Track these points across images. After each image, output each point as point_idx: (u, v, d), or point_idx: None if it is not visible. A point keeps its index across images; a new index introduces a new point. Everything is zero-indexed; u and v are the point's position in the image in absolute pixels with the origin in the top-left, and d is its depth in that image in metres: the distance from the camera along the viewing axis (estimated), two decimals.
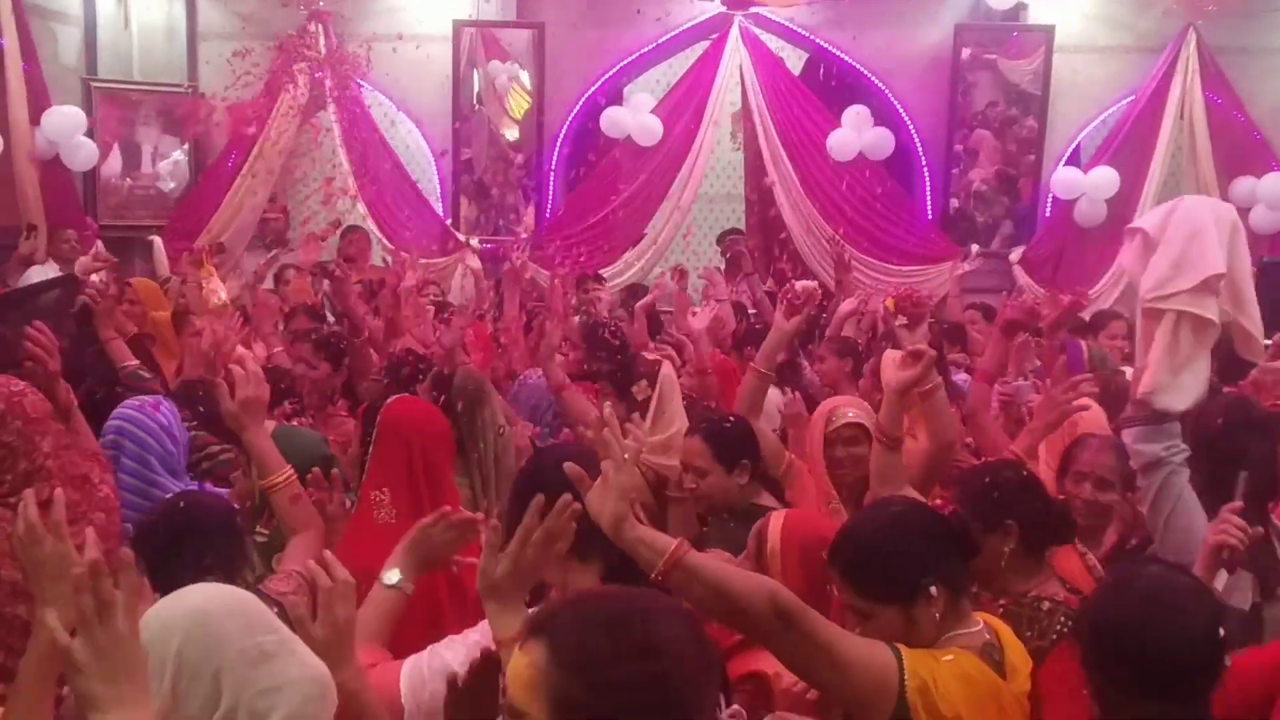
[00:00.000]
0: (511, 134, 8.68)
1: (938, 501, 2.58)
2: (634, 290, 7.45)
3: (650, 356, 4.06)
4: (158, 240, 8.12)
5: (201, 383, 3.58)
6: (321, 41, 8.34)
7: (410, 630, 2.20)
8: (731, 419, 3.38)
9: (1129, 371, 4.33)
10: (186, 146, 8.54)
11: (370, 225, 8.40)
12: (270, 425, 3.10)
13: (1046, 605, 2.45)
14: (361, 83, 8.56)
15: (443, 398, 3.28)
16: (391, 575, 2.17)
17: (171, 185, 8.56)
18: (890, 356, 4.00)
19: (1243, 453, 2.61)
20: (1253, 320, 3.05)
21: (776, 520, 2.55)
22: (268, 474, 2.64)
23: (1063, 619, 2.41)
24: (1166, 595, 1.87)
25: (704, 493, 3.21)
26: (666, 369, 3.95)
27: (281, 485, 2.64)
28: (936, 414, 3.18)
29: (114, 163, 8.26)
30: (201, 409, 3.56)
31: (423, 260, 8.25)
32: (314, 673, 1.57)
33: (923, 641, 2.01)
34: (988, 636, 2.07)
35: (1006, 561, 2.49)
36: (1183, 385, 2.66)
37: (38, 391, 2.70)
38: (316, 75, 8.37)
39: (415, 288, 5.50)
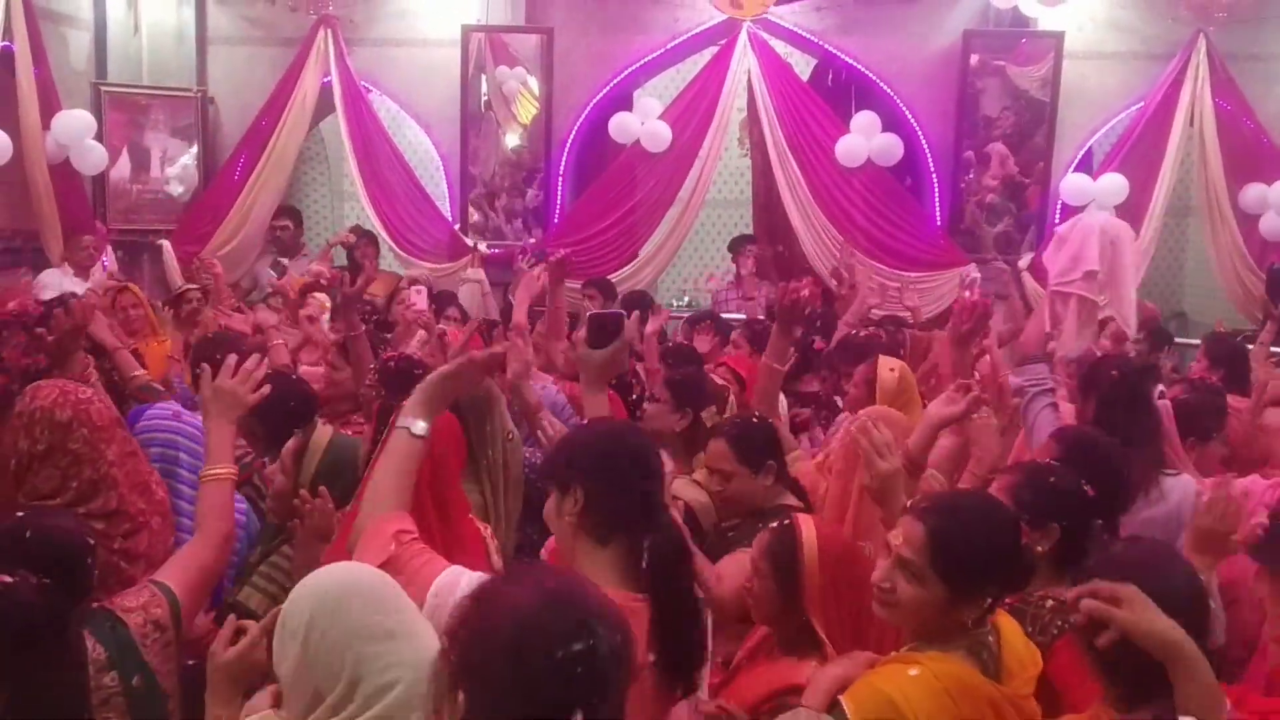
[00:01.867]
0: (515, 138, 8.66)
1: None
2: (637, 297, 7.44)
3: (720, 381, 4.00)
4: (167, 245, 8.16)
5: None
6: (330, 46, 8.35)
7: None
8: (755, 419, 3.34)
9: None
10: (195, 150, 8.55)
11: (378, 230, 8.42)
12: (328, 431, 3.12)
13: (1050, 604, 2.47)
14: (370, 87, 8.58)
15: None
16: (419, 426, 2.28)
17: (180, 189, 8.58)
18: (886, 366, 4.01)
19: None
20: (1123, 314, 4.39)
21: (809, 534, 2.47)
22: (210, 463, 2.58)
23: (1063, 617, 2.41)
24: (1151, 563, 2.01)
25: (730, 496, 3.17)
26: (732, 398, 3.93)
27: (221, 476, 2.56)
28: (978, 439, 3.16)
29: (123, 167, 8.28)
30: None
31: (430, 265, 8.30)
32: (431, 655, 1.63)
33: (938, 631, 2.01)
34: (987, 638, 2.03)
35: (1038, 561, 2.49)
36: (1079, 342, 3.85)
37: (105, 398, 2.73)
38: (325, 80, 8.39)
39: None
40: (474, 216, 8.67)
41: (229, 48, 8.76)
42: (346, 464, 2.96)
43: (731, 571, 2.75)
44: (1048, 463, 2.81)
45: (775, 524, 2.60)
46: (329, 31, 8.36)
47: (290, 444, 2.99)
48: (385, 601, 1.78)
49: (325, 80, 8.43)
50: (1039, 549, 2.48)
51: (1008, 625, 2.11)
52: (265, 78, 8.51)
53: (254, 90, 8.51)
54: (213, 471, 2.55)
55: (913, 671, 1.91)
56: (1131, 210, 8.26)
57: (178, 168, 8.55)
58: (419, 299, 6.92)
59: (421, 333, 4.96)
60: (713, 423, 3.72)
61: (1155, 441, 3.33)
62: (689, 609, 2.09)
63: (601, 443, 2.21)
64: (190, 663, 2.87)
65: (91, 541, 2.23)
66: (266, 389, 2.66)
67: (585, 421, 2.39)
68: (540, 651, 1.40)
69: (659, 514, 2.21)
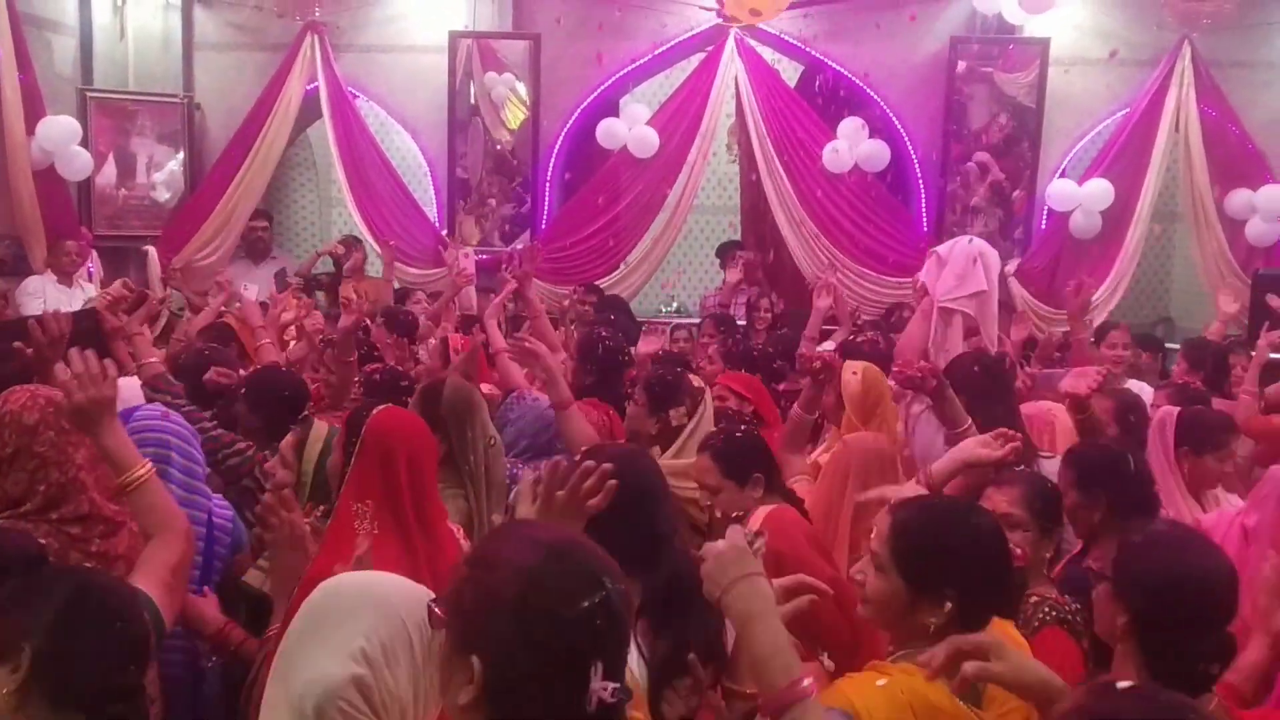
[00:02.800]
0: (502, 136, 8.65)
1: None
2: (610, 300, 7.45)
3: (697, 384, 3.97)
4: (152, 251, 8.13)
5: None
6: (317, 52, 8.35)
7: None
8: (739, 432, 3.28)
9: (1133, 384, 4.59)
10: (182, 156, 8.54)
11: (365, 237, 8.41)
12: (324, 425, 3.10)
13: (1034, 599, 2.61)
14: (357, 93, 8.57)
15: (430, 410, 3.21)
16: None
17: (167, 195, 8.55)
18: (848, 370, 3.99)
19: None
20: (989, 333, 5.04)
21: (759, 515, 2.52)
22: (123, 470, 2.42)
23: (1047, 610, 2.60)
24: (1188, 542, 2.18)
25: (720, 510, 3.11)
26: (709, 398, 3.85)
27: (141, 478, 2.43)
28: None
29: (109, 173, 8.25)
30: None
31: (417, 271, 8.30)
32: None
33: (904, 633, 2.02)
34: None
35: (1035, 565, 2.69)
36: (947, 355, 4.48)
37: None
38: (312, 86, 8.38)
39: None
40: (462, 222, 8.66)
41: (215, 53, 8.74)
42: None
43: None
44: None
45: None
46: (316, 37, 8.35)
47: (289, 438, 2.99)
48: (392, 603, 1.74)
49: (312, 86, 8.42)
50: (1045, 555, 2.60)
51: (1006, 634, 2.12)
52: (252, 83, 8.49)
53: (241, 96, 8.49)
54: (132, 477, 2.42)
55: (880, 682, 1.89)
56: (1117, 216, 8.31)
57: (164, 174, 8.52)
58: (468, 263, 7.03)
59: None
60: (678, 423, 3.71)
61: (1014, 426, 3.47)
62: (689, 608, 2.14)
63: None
64: (209, 664, 2.87)
65: (45, 553, 2.17)
66: (114, 371, 2.51)
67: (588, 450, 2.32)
68: (556, 608, 1.38)
69: (666, 549, 2.21)
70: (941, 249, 5.03)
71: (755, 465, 3.09)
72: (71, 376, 2.39)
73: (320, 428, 2.96)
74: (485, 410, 3.37)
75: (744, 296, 8.15)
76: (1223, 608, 2.06)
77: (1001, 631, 2.10)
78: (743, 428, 3.38)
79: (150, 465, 2.46)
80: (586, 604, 1.39)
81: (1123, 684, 1.44)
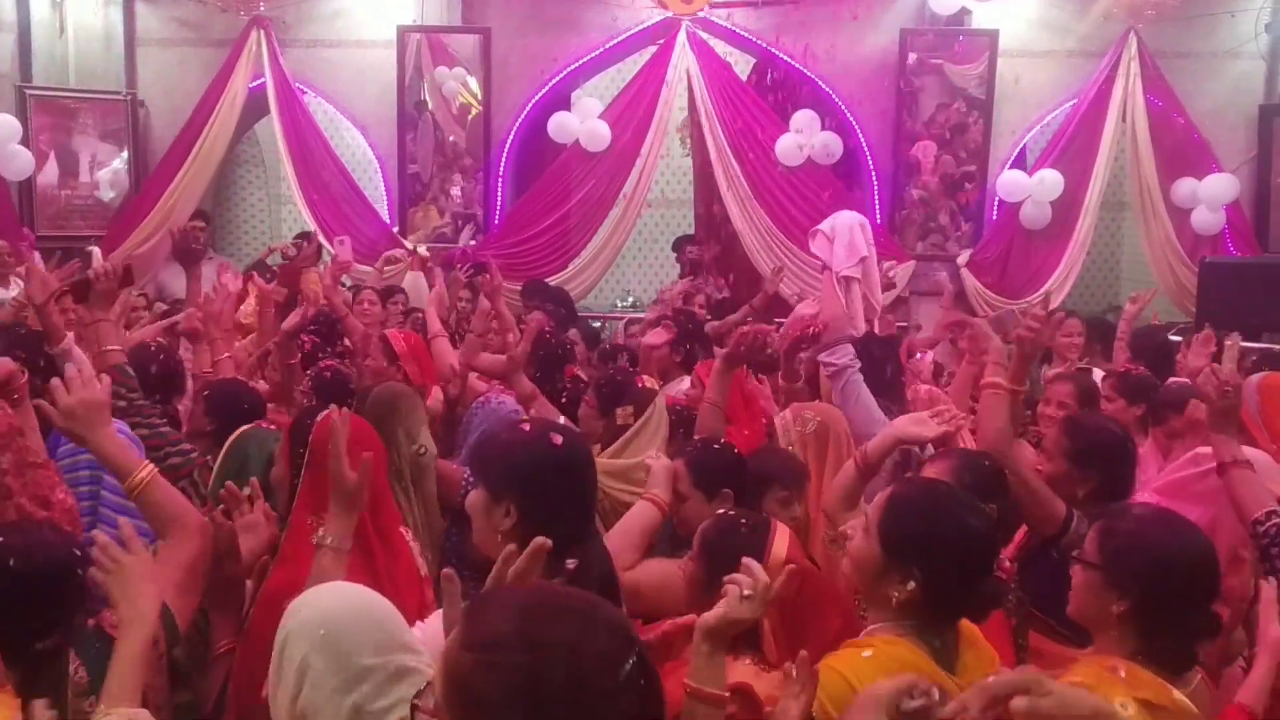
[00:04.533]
0: (454, 130, 8.58)
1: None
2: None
3: (648, 385, 3.93)
4: (96, 251, 7.92)
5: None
6: (264, 47, 8.22)
7: None
8: (719, 446, 3.23)
9: (1097, 373, 4.67)
10: (126, 155, 8.38)
11: (317, 234, 8.31)
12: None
13: None
14: (305, 89, 8.46)
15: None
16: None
17: (112, 194, 8.40)
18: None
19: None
20: (875, 295, 5.63)
21: (780, 541, 2.44)
22: (125, 475, 2.37)
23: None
24: (1174, 525, 2.20)
25: (683, 517, 3.03)
26: (661, 402, 3.80)
27: (145, 480, 2.36)
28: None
29: (50, 172, 8.09)
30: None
31: (368, 268, 8.21)
32: None
33: (871, 597, 2.11)
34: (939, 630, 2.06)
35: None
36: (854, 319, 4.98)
37: (5, 409, 2.62)
38: (258, 82, 8.26)
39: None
40: (413, 218, 8.58)
41: (159, 49, 8.60)
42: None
43: (654, 572, 2.73)
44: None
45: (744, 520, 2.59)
46: (261, 32, 8.24)
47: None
48: (390, 636, 1.71)
49: (259, 82, 8.30)
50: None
51: (972, 629, 2.13)
52: (197, 80, 8.36)
53: (185, 93, 8.36)
54: (135, 480, 2.36)
55: (866, 654, 1.97)
56: (1067, 205, 8.38)
57: (108, 172, 8.37)
58: (343, 249, 6.95)
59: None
60: (624, 422, 3.66)
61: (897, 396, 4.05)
62: None
63: (541, 455, 2.15)
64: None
65: (79, 553, 2.12)
66: (107, 381, 2.46)
67: (524, 425, 2.28)
68: (602, 677, 1.26)
69: (589, 525, 2.18)
70: (824, 226, 5.50)
71: (726, 481, 3.05)
72: (62, 381, 2.33)
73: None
74: (413, 417, 3.27)
75: (699, 290, 8.14)
76: (1212, 586, 2.15)
77: (974, 632, 2.13)
78: (723, 441, 3.34)
79: (152, 466, 2.40)
80: (629, 666, 1.28)
81: None
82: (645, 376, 4.01)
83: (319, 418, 2.56)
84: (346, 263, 6.85)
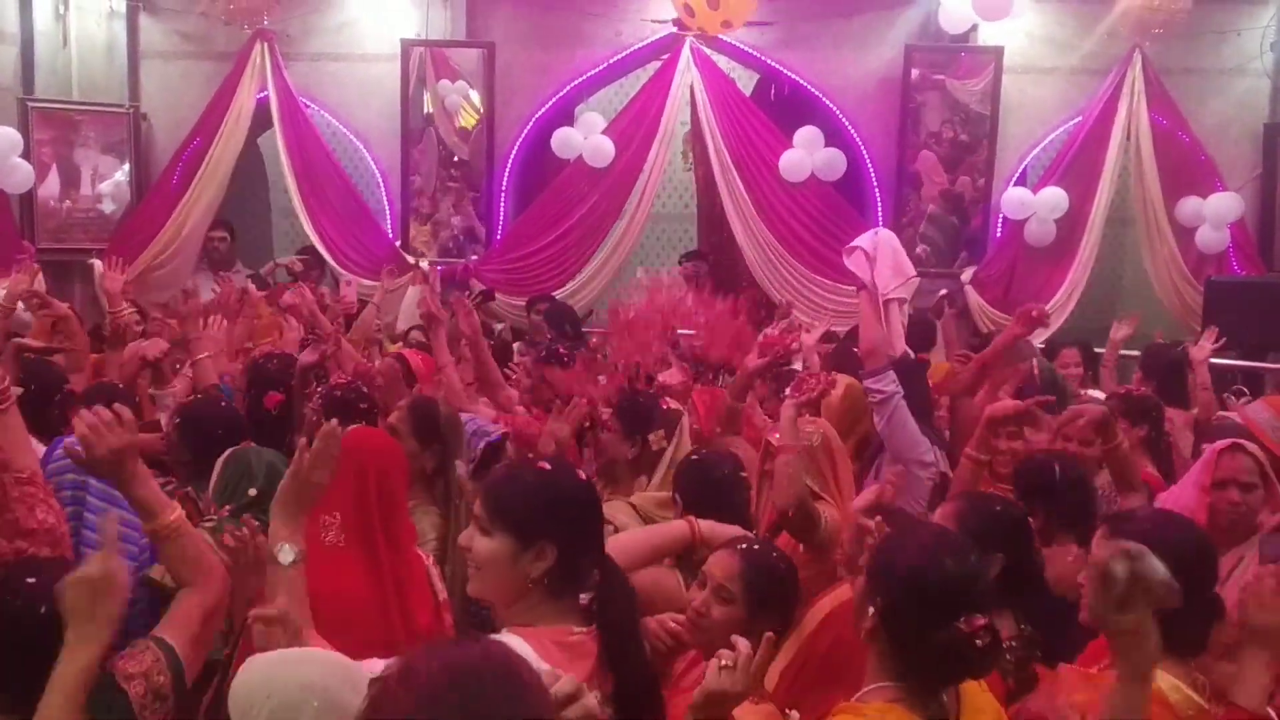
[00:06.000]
0: (457, 144, 8.56)
1: None
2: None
3: (672, 407, 3.91)
4: (98, 263, 7.95)
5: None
6: (267, 61, 8.21)
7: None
8: (715, 461, 3.29)
9: (1094, 392, 4.67)
10: (127, 167, 8.36)
11: (318, 247, 8.29)
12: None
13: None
14: (308, 103, 8.44)
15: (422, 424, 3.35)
16: (287, 553, 2.14)
17: (113, 207, 8.38)
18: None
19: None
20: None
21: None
22: (151, 518, 2.32)
23: None
24: (1172, 519, 2.35)
25: None
26: (685, 423, 3.80)
27: (172, 524, 2.31)
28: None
29: (52, 184, 8.07)
30: None
31: (370, 282, 8.18)
32: None
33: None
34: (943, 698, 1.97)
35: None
36: (895, 343, 4.57)
37: None
38: (261, 95, 8.25)
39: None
40: (416, 233, 8.56)
41: (162, 62, 8.59)
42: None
43: (645, 576, 2.76)
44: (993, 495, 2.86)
45: (746, 546, 2.59)
46: (265, 46, 8.22)
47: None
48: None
49: (262, 95, 8.28)
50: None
51: (982, 698, 2.05)
52: (199, 93, 8.35)
53: (188, 106, 8.35)
54: (160, 525, 2.30)
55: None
56: (1071, 223, 8.36)
57: (110, 185, 8.35)
58: (350, 290, 6.92)
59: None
60: (658, 446, 3.63)
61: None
62: (637, 639, 2.09)
63: (575, 493, 2.08)
64: None
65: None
66: (129, 416, 2.37)
67: (544, 465, 2.22)
68: None
69: (604, 554, 2.16)
70: (863, 242, 4.98)
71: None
72: (87, 430, 2.26)
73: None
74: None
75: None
76: (1214, 571, 2.28)
77: (970, 702, 2.02)
78: (721, 456, 3.35)
79: (180, 511, 2.37)
80: None
81: None
82: (667, 399, 3.97)
83: (348, 429, 2.60)
84: (351, 304, 6.83)
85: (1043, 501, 3.14)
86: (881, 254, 4.87)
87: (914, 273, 4.94)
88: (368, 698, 1.30)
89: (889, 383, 4.03)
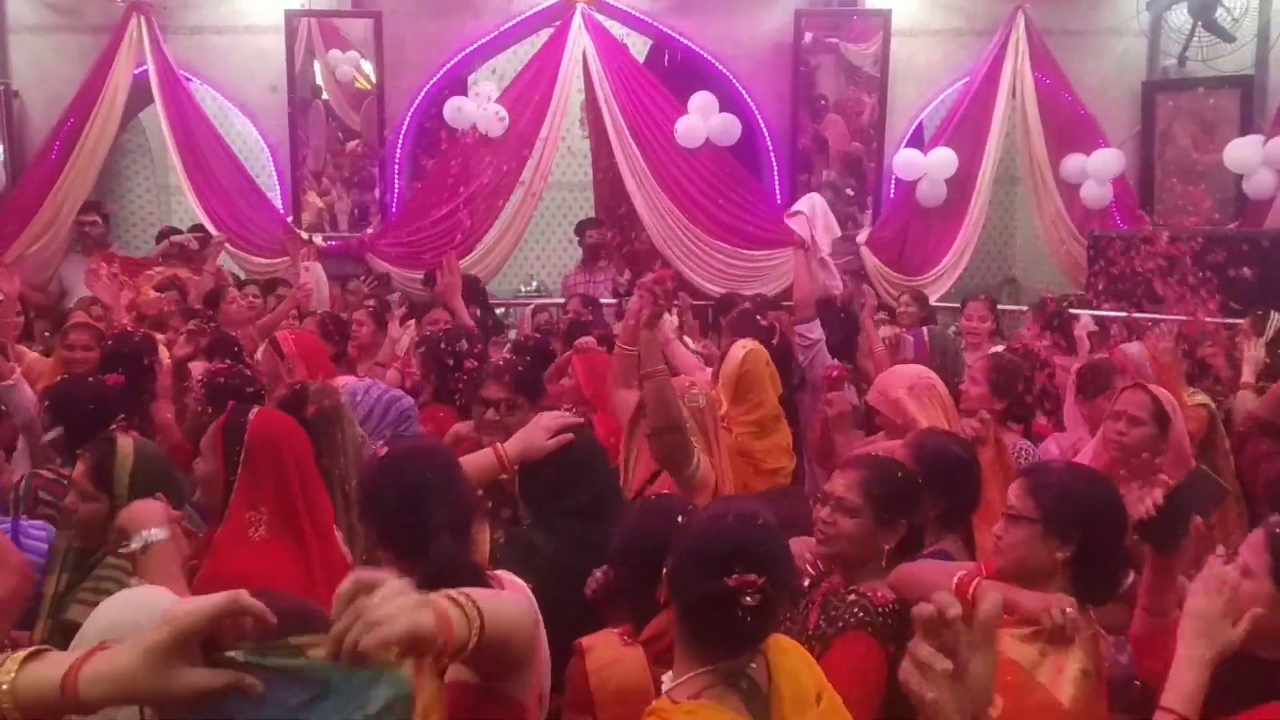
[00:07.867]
0: (350, 115, 8.40)
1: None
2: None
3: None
4: None
5: None
6: (144, 34, 7.93)
7: None
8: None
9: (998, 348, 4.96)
10: (1, 147, 8.02)
11: (208, 226, 8.06)
12: (129, 441, 2.92)
13: (852, 597, 2.50)
14: (190, 77, 8.18)
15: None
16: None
17: None
18: (737, 348, 4.10)
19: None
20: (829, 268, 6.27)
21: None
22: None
23: (858, 611, 2.46)
24: (1093, 475, 2.54)
25: None
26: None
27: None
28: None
29: None
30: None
31: (262, 260, 8.00)
32: None
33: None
34: (750, 670, 1.86)
35: (870, 557, 2.58)
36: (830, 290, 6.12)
37: None
38: (140, 69, 7.97)
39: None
40: (307, 207, 8.37)
41: (33, 36, 8.23)
42: (159, 469, 2.81)
43: None
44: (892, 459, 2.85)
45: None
46: (142, 18, 7.94)
47: (80, 467, 2.76)
48: None
49: (140, 70, 8.00)
50: (885, 548, 2.63)
51: (784, 652, 1.95)
52: (74, 68, 8.03)
53: (62, 82, 8.02)
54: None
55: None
56: (961, 182, 8.52)
57: None
58: (309, 277, 6.76)
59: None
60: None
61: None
62: None
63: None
64: None
65: None
66: None
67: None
68: None
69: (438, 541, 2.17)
70: (803, 206, 6.13)
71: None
72: None
73: (125, 445, 2.78)
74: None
75: (604, 275, 8.12)
76: (1124, 523, 2.37)
77: (787, 671, 1.91)
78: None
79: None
80: None
81: None
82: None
83: (252, 415, 2.62)
84: (309, 289, 6.65)
85: (946, 492, 2.89)
86: (817, 216, 6.00)
87: (840, 232, 6.19)
88: None
89: (814, 330, 5.28)
